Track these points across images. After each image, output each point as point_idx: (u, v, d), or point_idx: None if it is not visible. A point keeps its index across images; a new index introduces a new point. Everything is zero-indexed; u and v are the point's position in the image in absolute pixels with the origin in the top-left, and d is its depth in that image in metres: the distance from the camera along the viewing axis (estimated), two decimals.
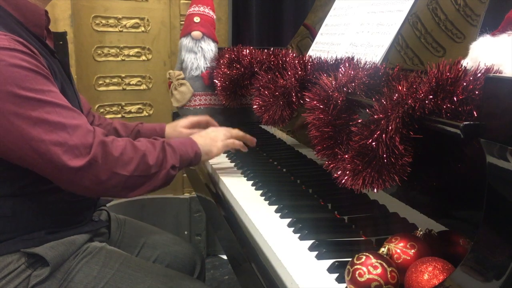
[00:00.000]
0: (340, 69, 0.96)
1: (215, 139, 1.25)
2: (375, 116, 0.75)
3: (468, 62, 0.73)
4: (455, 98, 0.67)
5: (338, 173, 0.83)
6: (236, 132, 1.32)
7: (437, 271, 0.64)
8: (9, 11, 1.03)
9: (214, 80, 1.68)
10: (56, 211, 1.09)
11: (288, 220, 0.96)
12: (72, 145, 0.96)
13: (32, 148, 0.94)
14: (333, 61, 1.11)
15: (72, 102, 1.11)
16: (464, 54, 0.79)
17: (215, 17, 1.93)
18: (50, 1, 1.14)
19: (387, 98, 0.75)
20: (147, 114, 2.41)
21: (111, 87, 2.33)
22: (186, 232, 2.51)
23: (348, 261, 0.71)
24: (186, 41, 1.85)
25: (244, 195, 1.12)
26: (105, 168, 0.99)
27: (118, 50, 2.31)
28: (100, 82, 2.31)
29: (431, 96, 0.69)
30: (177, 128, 1.47)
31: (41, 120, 0.94)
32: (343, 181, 0.81)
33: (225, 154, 1.48)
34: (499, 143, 0.59)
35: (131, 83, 2.36)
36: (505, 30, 0.79)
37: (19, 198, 1.04)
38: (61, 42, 1.19)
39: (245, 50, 1.53)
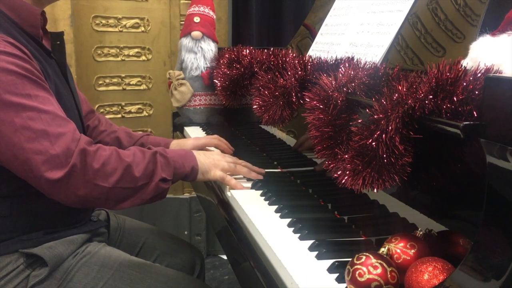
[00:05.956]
0: (340, 69, 0.96)
1: (217, 164, 1.17)
2: (375, 116, 0.75)
3: (468, 62, 0.73)
4: (455, 98, 0.67)
5: (338, 173, 0.82)
6: (240, 168, 1.20)
7: (437, 271, 0.64)
8: (3, 10, 1.02)
9: (214, 80, 1.67)
10: (54, 211, 1.09)
11: (288, 220, 0.96)
12: (53, 155, 0.93)
13: (14, 154, 0.93)
14: (333, 61, 1.11)
15: (67, 102, 1.10)
16: (464, 54, 0.79)
17: (215, 17, 1.93)
18: (47, 4, 1.13)
19: (387, 98, 0.75)
20: (147, 114, 2.41)
21: (111, 87, 2.33)
22: (186, 232, 2.51)
23: (348, 261, 0.70)
24: (186, 41, 1.86)
25: (244, 195, 1.12)
26: (84, 179, 0.96)
27: (118, 50, 2.31)
28: (100, 82, 2.31)
29: (431, 96, 0.69)
30: (184, 147, 1.38)
31: (23, 127, 0.93)
32: (343, 181, 0.81)
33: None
34: (499, 143, 0.59)
35: (131, 83, 2.36)
36: (505, 30, 0.79)
37: (17, 198, 1.04)
38: (58, 42, 1.18)
39: (245, 50, 1.53)
